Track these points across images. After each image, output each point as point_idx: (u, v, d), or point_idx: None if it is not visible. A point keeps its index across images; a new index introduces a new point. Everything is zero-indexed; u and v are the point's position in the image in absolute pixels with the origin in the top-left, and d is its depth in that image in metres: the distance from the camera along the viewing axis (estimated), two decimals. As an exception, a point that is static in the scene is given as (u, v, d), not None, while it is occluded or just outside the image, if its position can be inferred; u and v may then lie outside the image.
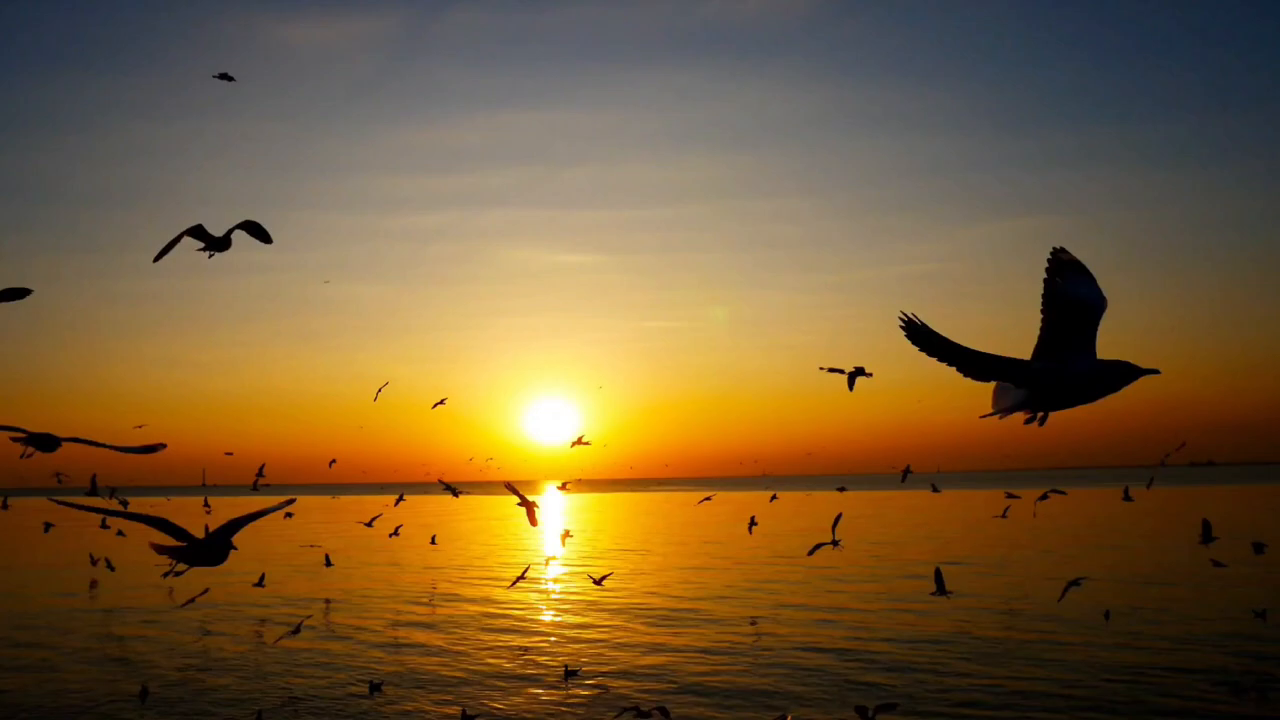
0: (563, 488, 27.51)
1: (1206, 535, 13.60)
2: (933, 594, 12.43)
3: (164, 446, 4.40)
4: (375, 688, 12.82)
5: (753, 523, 26.06)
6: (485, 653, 16.46)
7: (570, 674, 13.87)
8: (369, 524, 22.50)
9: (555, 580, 27.34)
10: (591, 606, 21.75)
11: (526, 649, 16.70)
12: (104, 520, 26.40)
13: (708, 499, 34.26)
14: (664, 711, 8.58)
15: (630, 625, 19.07)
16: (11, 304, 4.13)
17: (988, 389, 3.17)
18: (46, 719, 12.54)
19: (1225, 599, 20.08)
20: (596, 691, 13.41)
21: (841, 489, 32.97)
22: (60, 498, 5.01)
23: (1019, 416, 3.08)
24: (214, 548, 4.31)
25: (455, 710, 12.16)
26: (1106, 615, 17.22)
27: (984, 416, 3.08)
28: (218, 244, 4.67)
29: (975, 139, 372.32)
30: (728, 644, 16.71)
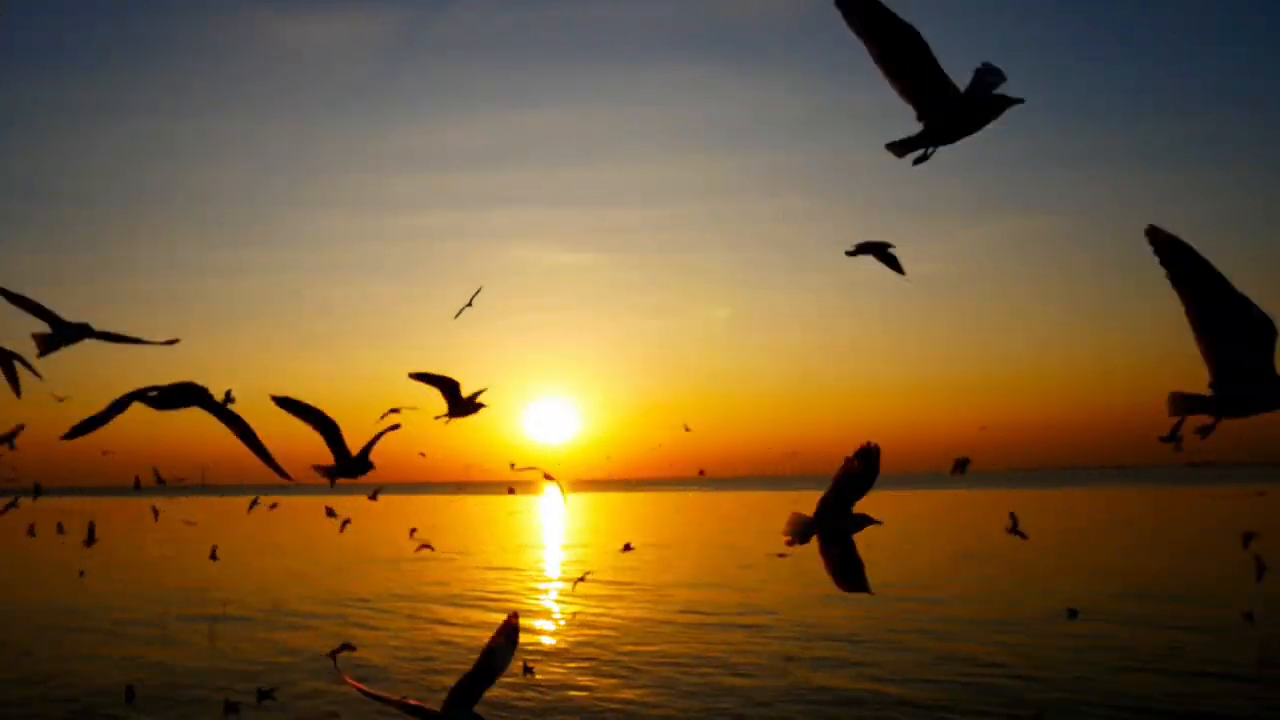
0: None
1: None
2: None
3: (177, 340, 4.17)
4: (264, 694, 12.23)
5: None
6: (441, 646, 16.23)
7: (529, 670, 13.63)
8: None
9: (521, 576, 27.02)
10: (564, 605, 21.48)
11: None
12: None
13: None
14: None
15: (596, 625, 18.83)
16: (9, 303, 3.86)
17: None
18: None
19: None
20: (558, 688, 13.18)
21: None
22: None
23: None
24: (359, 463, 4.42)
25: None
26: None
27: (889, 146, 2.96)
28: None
29: (975, 139, 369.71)
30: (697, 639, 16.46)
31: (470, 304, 12.64)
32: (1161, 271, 2.50)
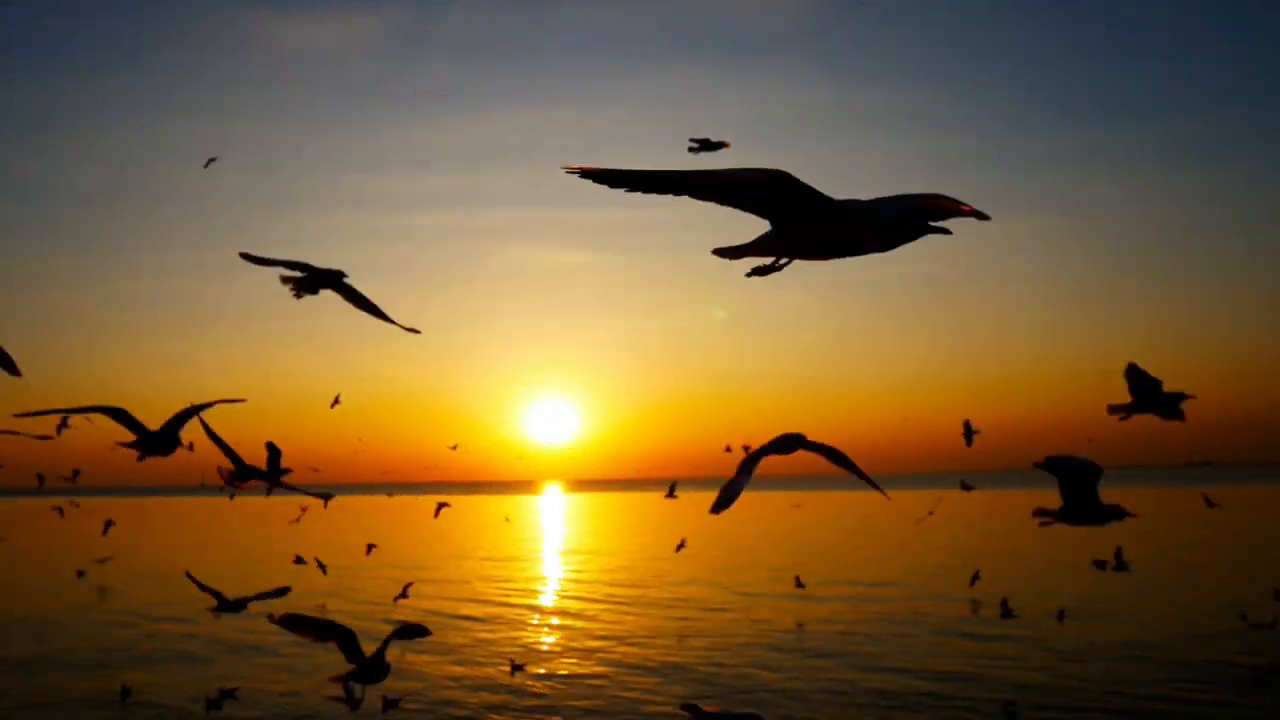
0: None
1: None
2: None
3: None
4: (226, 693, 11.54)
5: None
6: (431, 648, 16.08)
7: (517, 668, 13.48)
8: None
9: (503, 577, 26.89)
10: (547, 601, 21.35)
11: (474, 644, 16.33)
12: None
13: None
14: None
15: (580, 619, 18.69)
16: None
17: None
18: None
19: None
20: (544, 686, 13.02)
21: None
22: None
23: None
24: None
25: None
26: None
27: (716, 252, 2.52)
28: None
29: (976, 138, 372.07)
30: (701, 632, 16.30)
31: (338, 400, 13.22)
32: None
